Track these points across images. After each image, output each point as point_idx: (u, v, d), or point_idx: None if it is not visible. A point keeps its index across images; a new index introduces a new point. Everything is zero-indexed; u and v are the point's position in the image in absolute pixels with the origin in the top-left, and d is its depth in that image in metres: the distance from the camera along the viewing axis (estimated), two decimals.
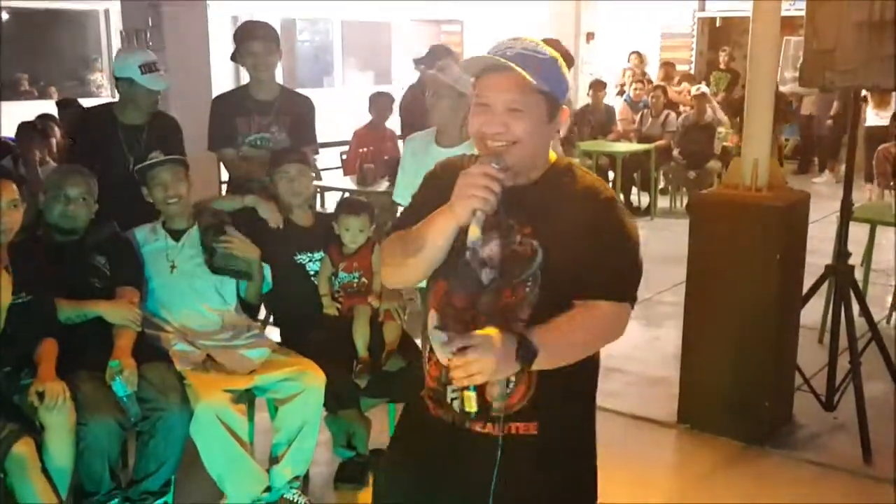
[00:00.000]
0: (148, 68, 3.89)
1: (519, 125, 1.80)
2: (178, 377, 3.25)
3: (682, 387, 4.15)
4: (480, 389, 1.77)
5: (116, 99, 4.09)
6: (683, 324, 4.14)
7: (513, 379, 1.83)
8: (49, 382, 2.91)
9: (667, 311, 5.72)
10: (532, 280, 1.81)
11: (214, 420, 3.12)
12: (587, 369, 1.96)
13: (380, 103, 7.59)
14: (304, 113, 4.26)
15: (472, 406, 1.75)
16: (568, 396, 1.92)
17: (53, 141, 6.32)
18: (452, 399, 1.89)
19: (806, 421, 4.14)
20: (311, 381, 3.31)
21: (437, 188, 1.91)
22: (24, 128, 6.07)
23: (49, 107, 7.85)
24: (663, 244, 7.72)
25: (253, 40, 4.08)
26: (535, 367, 1.75)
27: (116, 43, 10.74)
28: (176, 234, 3.55)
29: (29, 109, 7.59)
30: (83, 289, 3.28)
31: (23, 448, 2.78)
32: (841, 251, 4.00)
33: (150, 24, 5.51)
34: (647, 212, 9.20)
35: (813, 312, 4.65)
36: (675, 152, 9.28)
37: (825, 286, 4.24)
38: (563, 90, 1.86)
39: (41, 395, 2.87)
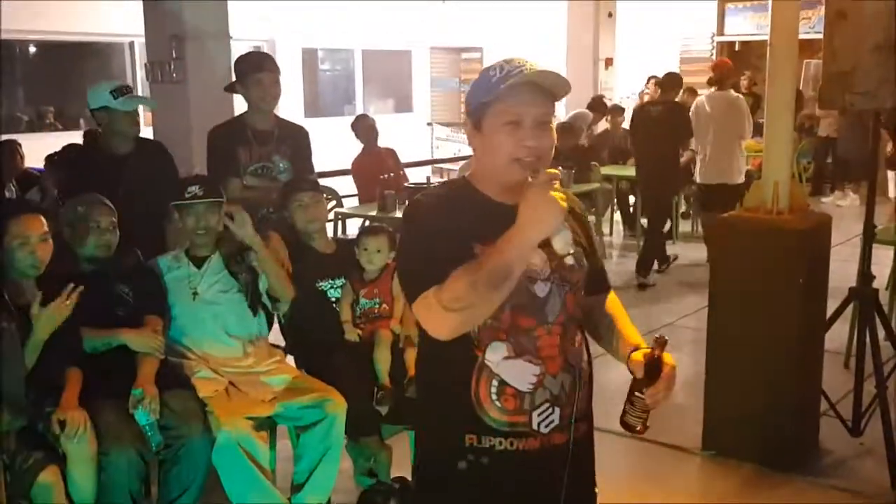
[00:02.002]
0: (119, 92, 3.93)
1: (548, 139, 1.85)
2: (200, 405, 3.27)
3: (705, 413, 4.12)
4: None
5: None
6: (706, 349, 4.11)
7: (583, 380, 1.95)
8: (71, 411, 2.93)
9: (689, 336, 5.68)
10: (581, 285, 1.97)
11: (236, 447, 3.13)
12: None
13: (361, 127, 7.60)
14: (301, 142, 4.30)
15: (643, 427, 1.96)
16: (590, 399, 2.06)
17: None
18: (540, 422, 1.88)
19: (832, 447, 4.09)
20: (332, 408, 3.32)
21: (441, 225, 1.86)
22: (50, 160, 6.16)
23: (76, 138, 7.97)
24: (685, 268, 7.71)
25: (261, 72, 4.12)
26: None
27: (141, 75, 10.89)
28: (198, 262, 3.58)
29: (55, 141, 7.70)
30: (107, 317, 3.31)
31: (48, 477, 2.80)
32: (865, 274, 3.97)
33: (174, 56, 5.58)
34: (669, 236, 9.15)
35: (838, 337, 4.60)
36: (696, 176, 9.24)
37: (849, 310, 4.20)
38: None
39: (63, 424, 2.89)
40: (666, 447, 4.20)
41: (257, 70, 4.13)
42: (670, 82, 7.72)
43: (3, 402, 2.76)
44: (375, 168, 7.46)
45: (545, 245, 1.77)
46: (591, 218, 8.49)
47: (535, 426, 1.88)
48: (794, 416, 3.92)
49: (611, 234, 9.44)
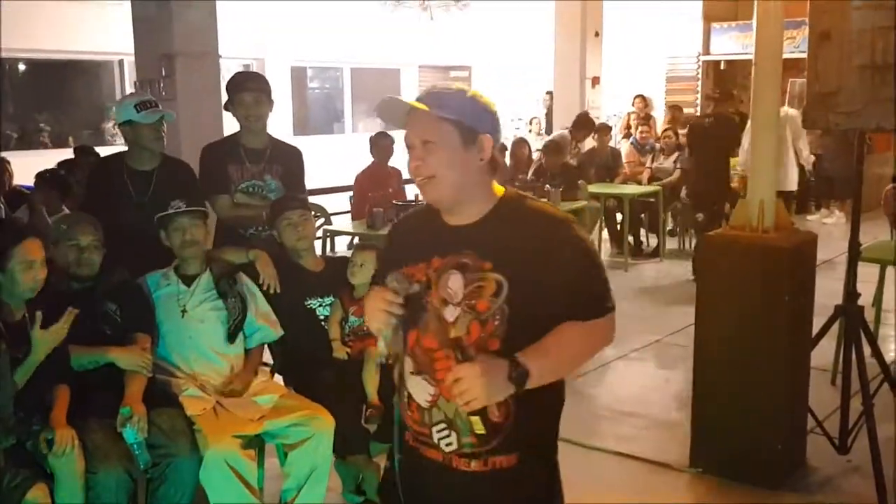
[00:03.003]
0: (143, 106, 3.94)
1: (432, 157, 1.89)
2: (188, 423, 3.26)
3: (693, 430, 4.13)
4: (483, 411, 1.86)
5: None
6: (694, 366, 4.13)
7: (495, 413, 1.90)
8: (59, 429, 2.92)
9: (678, 353, 5.70)
10: (500, 314, 1.86)
11: (224, 466, 3.12)
12: (557, 403, 2.06)
13: (381, 144, 7.66)
14: (293, 161, 4.31)
15: (480, 428, 1.89)
16: (542, 429, 2.01)
17: (71, 190, 6.40)
18: (440, 439, 1.94)
19: (819, 464, 4.10)
20: (320, 426, 3.32)
21: (394, 247, 2.07)
22: (40, 177, 6.15)
23: (66, 156, 7.97)
24: (673, 286, 7.75)
25: (243, 92, 4.13)
26: (531, 385, 1.81)
27: (130, 92, 10.91)
28: (188, 280, 3.58)
29: (45, 159, 7.71)
30: (95, 335, 3.30)
31: (36, 494, 2.79)
32: (850, 291, 3.99)
33: (164, 74, 5.60)
34: (657, 253, 9.21)
35: (824, 354, 4.63)
36: (683, 193, 9.31)
37: (836, 327, 4.22)
38: (479, 120, 1.92)
39: (50, 443, 2.89)
40: (653, 464, 4.21)
41: (241, 90, 4.14)
42: (724, 95, 8.57)
43: None
44: (377, 185, 7.50)
45: (453, 267, 1.89)
46: None
47: (435, 440, 1.96)
48: (781, 433, 3.93)
49: (600, 251, 9.47)
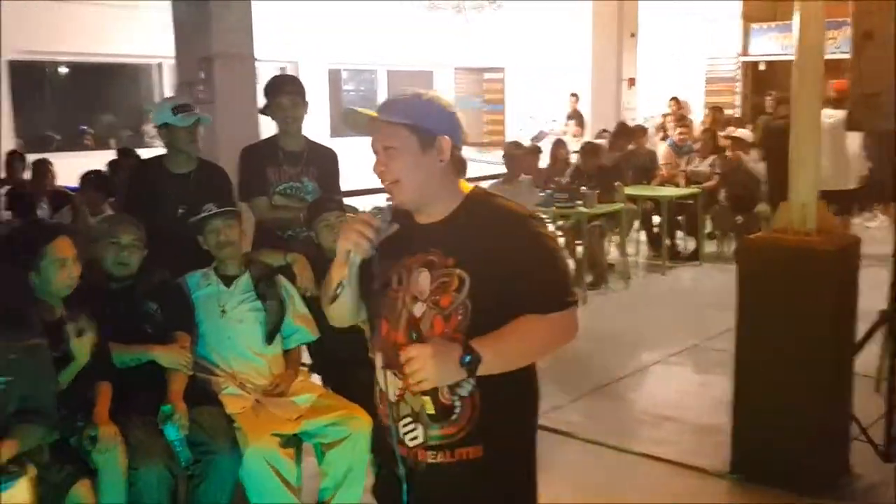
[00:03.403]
0: (180, 109, 4.00)
1: (394, 162, 1.97)
2: (228, 421, 3.29)
3: (733, 436, 4.07)
4: (434, 392, 1.93)
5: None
6: (734, 371, 4.07)
7: (458, 406, 1.95)
8: (102, 426, 2.97)
9: (716, 357, 5.63)
10: (462, 309, 1.92)
11: (263, 464, 3.15)
12: (528, 396, 2.08)
13: None
14: (330, 164, 4.36)
15: (430, 408, 1.95)
16: (510, 421, 2.03)
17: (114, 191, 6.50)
18: (405, 433, 2.00)
19: (863, 471, 4.02)
20: (357, 425, 3.33)
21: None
22: (84, 178, 6.25)
23: (108, 157, 8.09)
24: (712, 290, 7.65)
25: (281, 95, 4.18)
26: (483, 372, 1.88)
27: (169, 94, 11.05)
28: (228, 280, 3.61)
29: (89, 160, 7.84)
30: (136, 334, 3.35)
31: (80, 490, 2.84)
32: (895, 296, 3.93)
33: (202, 77, 5.67)
34: (695, 257, 9.11)
35: (868, 360, 4.55)
36: (722, 195, 9.21)
37: (880, 333, 4.15)
38: (437, 122, 1.99)
39: (94, 439, 2.93)
40: (693, 470, 4.16)
41: (278, 94, 4.19)
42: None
43: (38, 417, 2.79)
44: None
45: (421, 265, 1.95)
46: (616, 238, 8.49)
47: (400, 435, 2.01)
48: (824, 440, 3.87)
49: (637, 253, 9.41)
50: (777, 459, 3.89)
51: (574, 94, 12.65)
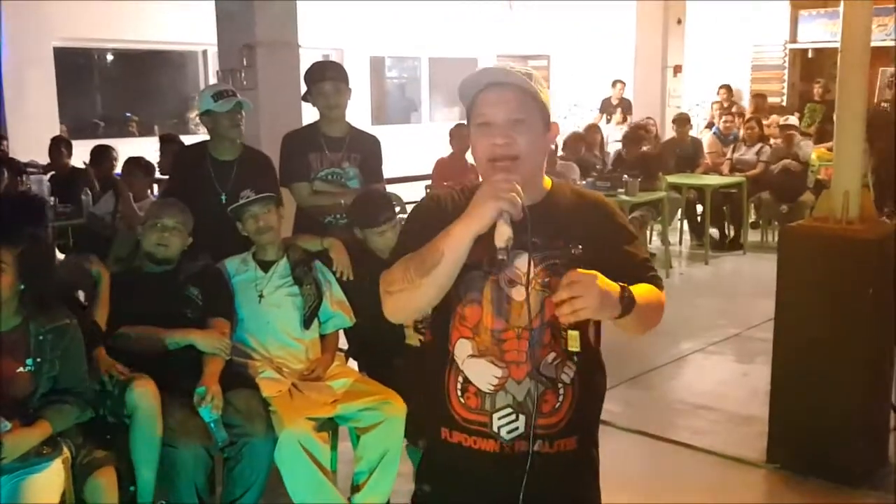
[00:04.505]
0: (220, 95, 4.03)
1: (522, 137, 1.84)
2: (263, 404, 3.34)
3: (771, 426, 4.03)
4: (578, 336, 1.82)
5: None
6: (773, 360, 4.03)
7: (562, 394, 1.88)
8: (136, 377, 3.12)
9: (757, 347, 5.58)
10: None
11: (298, 447, 3.18)
12: (604, 388, 2.04)
13: (461, 136, 7.66)
14: (372, 150, 4.35)
15: (575, 345, 1.83)
16: (595, 412, 2.01)
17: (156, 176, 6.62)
18: (501, 426, 1.87)
19: None
20: (392, 410, 3.35)
21: (434, 216, 1.91)
22: (129, 164, 6.36)
23: (151, 144, 8.22)
24: (755, 279, 7.56)
25: (323, 81, 4.18)
26: (626, 320, 1.75)
27: (213, 82, 11.17)
28: (265, 266, 3.66)
29: (133, 147, 7.97)
30: (177, 318, 3.41)
31: (102, 478, 2.87)
32: None
33: (245, 64, 5.71)
34: (739, 245, 9.00)
35: None
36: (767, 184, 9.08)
37: None
38: (548, 105, 1.92)
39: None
40: (729, 459, 4.13)
41: (320, 80, 4.20)
42: None
43: (70, 397, 2.86)
44: (454, 175, 7.50)
45: (519, 247, 1.77)
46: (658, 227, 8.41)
47: (495, 429, 1.88)
48: (863, 430, 3.82)
49: (680, 243, 9.32)
50: (815, 450, 3.85)
51: (620, 82, 12.52)
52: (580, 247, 1.86)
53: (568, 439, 1.91)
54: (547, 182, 1.98)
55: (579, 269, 1.70)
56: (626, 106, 12.44)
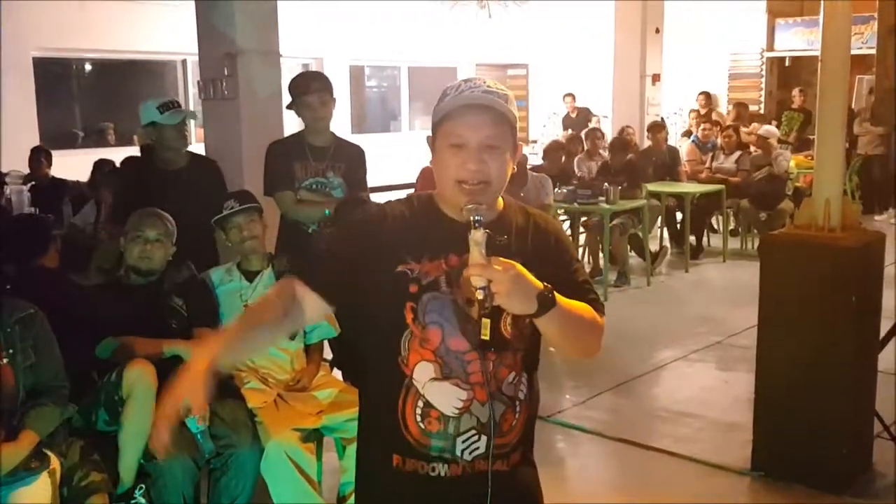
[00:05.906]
0: (165, 107, 4.05)
1: (494, 162, 1.81)
2: (249, 415, 3.32)
3: (755, 433, 4.05)
4: (494, 323, 1.78)
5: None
6: (756, 368, 4.05)
7: (518, 411, 1.87)
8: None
9: (739, 354, 5.61)
10: None
11: (284, 458, 3.17)
12: (539, 399, 2.01)
13: None
14: (356, 159, 4.38)
15: (486, 333, 1.77)
16: (533, 425, 1.99)
17: None
18: (464, 449, 1.83)
19: (886, 469, 4.00)
20: None
21: (370, 228, 1.89)
22: (98, 167, 6.28)
23: (131, 153, 8.15)
24: (735, 286, 7.61)
25: (309, 94, 4.20)
26: (546, 321, 1.73)
27: (193, 92, 11.12)
28: (250, 276, 3.64)
29: (109, 156, 7.90)
30: (161, 329, 3.39)
31: (98, 501, 2.86)
32: None
33: (226, 73, 5.69)
34: (699, 253, 9.09)
35: (892, 357, 4.51)
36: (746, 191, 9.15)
37: None
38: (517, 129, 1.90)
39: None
40: (713, 466, 4.15)
41: (305, 92, 4.22)
42: None
43: (47, 396, 2.86)
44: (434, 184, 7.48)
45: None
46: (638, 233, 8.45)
47: (458, 452, 1.83)
48: (847, 437, 3.84)
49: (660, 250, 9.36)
50: (799, 457, 3.87)
51: (569, 95, 13.26)
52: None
53: (518, 452, 1.92)
54: (500, 202, 1.93)
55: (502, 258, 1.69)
56: (585, 114, 12.66)
